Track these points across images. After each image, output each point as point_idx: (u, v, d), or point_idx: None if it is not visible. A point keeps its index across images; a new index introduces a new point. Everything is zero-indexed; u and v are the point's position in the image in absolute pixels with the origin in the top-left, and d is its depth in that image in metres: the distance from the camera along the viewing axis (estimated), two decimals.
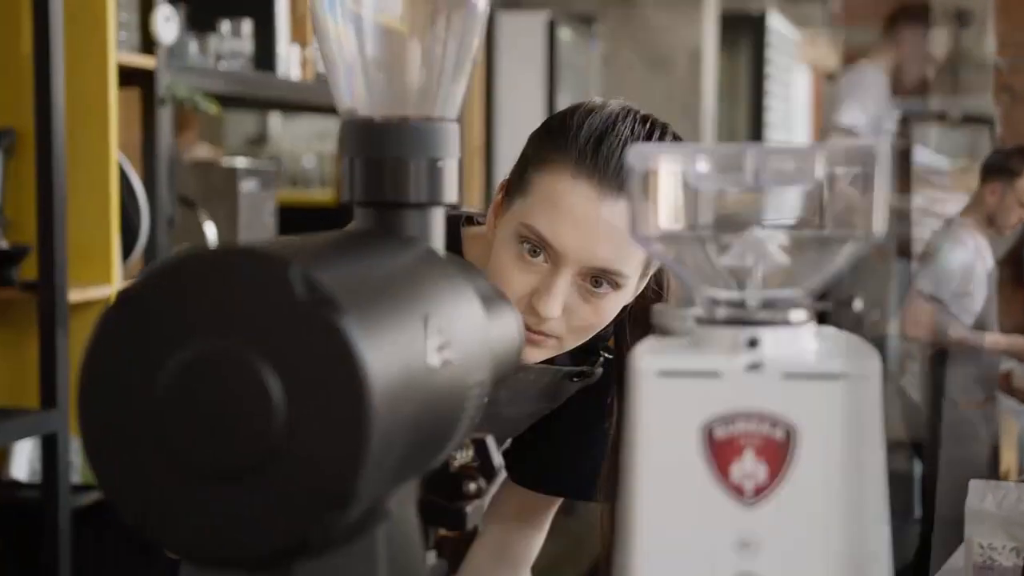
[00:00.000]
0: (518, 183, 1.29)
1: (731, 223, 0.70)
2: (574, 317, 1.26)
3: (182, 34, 2.95)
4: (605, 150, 1.24)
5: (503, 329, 0.82)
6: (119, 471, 0.61)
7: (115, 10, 2.59)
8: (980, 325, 4.42)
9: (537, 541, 1.53)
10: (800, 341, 0.68)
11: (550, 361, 1.37)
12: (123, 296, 0.61)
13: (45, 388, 2.39)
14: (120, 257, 2.62)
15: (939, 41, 4.49)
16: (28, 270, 2.45)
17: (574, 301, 1.26)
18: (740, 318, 0.68)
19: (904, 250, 4.74)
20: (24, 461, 2.68)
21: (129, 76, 2.69)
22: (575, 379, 1.41)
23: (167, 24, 2.70)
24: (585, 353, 1.41)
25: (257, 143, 6.10)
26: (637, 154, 0.68)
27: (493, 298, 0.84)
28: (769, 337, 0.67)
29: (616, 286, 1.26)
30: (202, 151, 4.32)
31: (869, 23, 4.74)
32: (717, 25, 6.03)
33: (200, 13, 3.11)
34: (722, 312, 0.69)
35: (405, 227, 0.76)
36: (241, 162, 3.29)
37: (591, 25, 5.55)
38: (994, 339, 4.58)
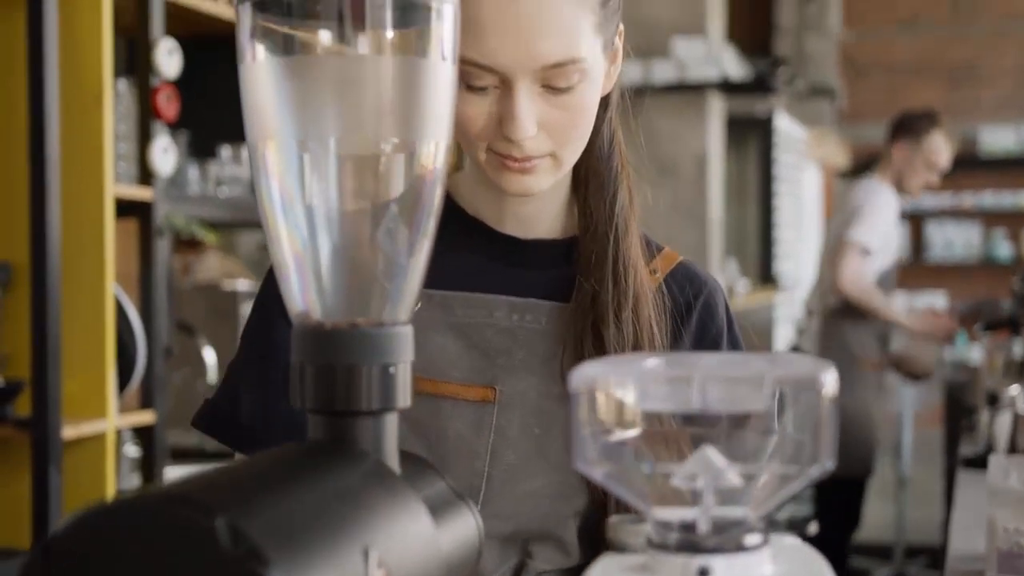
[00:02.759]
0: None
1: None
2: (554, 127, 1.15)
3: (183, 161, 2.97)
4: None
5: (456, 533, 0.80)
6: None
7: (113, 142, 2.60)
8: (882, 284, 4.43)
9: None
10: (755, 568, 0.66)
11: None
12: (45, 546, 0.59)
13: (37, 528, 2.36)
14: (116, 391, 2.61)
15: (940, 147, 4.50)
16: (22, 406, 2.44)
17: (545, 112, 1.14)
18: (691, 544, 0.66)
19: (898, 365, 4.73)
20: None
21: (127, 207, 2.70)
22: None
23: (165, 155, 2.71)
24: None
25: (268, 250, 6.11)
26: (581, 376, 0.67)
27: (449, 501, 0.81)
28: (721, 565, 0.65)
29: (580, 76, 1.14)
30: (213, 262, 4.33)
31: (876, 120, 4.78)
32: (723, 130, 6.06)
33: (202, 139, 3.13)
34: (673, 537, 0.67)
35: (357, 437, 0.74)
36: (243, 285, 3.29)
37: None
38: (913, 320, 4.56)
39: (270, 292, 1.28)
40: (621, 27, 1.23)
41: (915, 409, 5.67)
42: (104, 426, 2.55)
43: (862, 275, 4.34)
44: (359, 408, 0.74)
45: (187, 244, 3.65)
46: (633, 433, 0.68)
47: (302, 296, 0.76)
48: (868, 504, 4.60)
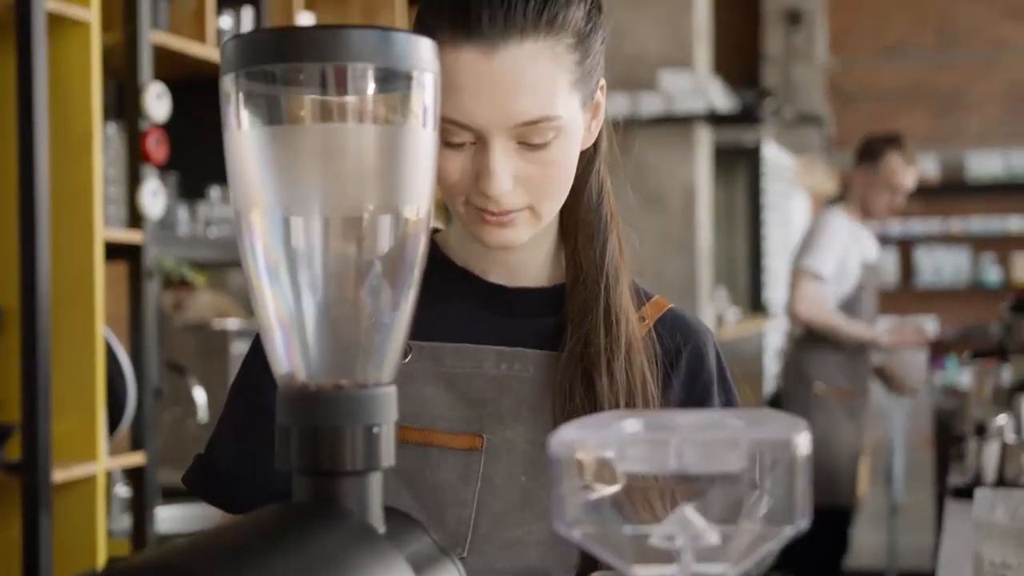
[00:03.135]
0: None
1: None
2: (530, 182, 1.16)
3: (172, 202, 2.98)
4: (473, 4, 1.13)
5: None
6: None
7: (102, 186, 2.61)
8: (848, 309, 4.47)
9: None
10: None
11: None
12: None
13: (28, 572, 2.36)
14: (107, 433, 2.61)
15: (897, 167, 4.51)
16: (12, 450, 2.44)
17: (521, 167, 1.16)
18: None
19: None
20: None
21: (117, 250, 2.71)
22: None
23: (154, 198, 2.73)
24: None
25: None
26: (560, 439, 0.68)
27: (433, 557, 0.83)
28: None
29: (556, 132, 1.15)
30: (205, 299, 4.33)
31: None
32: (711, 161, 6.09)
33: (191, 180, 3.14)
34: None
35: (341, 497, 0.75)
36: (233, 323, 3.30)
37: None
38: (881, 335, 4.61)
39: (258, 349, 1.29)
40: (603, 82, 1.24)
41: (905, 433, 5.69)
42: (94, 468, 2.55)
43: (818, 300, 4.39)
44: (344, 469, 0.75)
45: (178, 283, 3.66)
46: (611, 492, 0.69)
47: (287, 358, 0.77)
48: (860, 531, 4.60)
